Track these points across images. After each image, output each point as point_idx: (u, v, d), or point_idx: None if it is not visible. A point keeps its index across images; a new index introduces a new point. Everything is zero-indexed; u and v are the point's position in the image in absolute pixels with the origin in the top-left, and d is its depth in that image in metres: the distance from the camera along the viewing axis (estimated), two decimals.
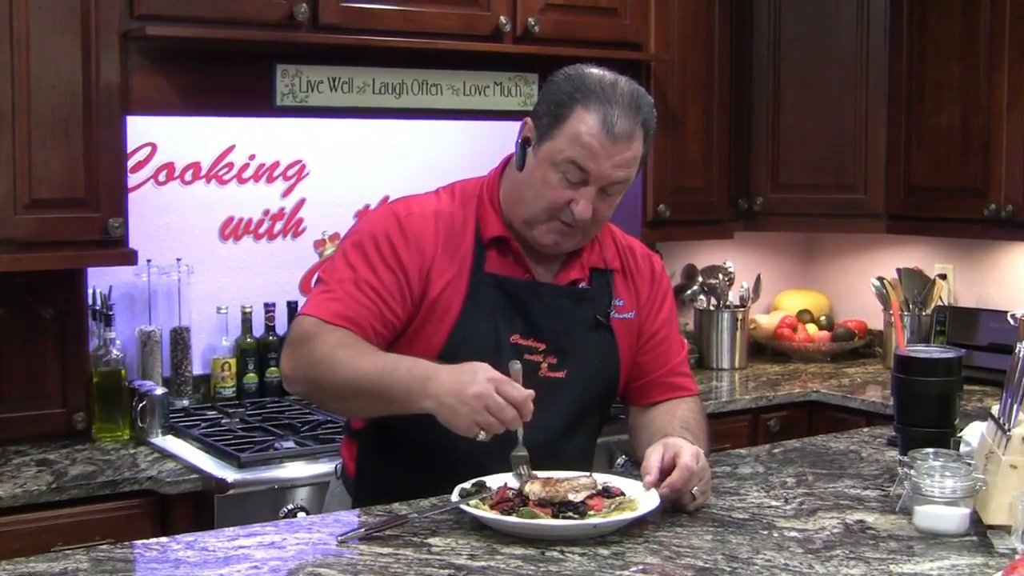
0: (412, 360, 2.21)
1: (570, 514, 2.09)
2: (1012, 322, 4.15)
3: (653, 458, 2.21)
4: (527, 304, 2.39)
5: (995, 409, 2.27)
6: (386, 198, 4.11)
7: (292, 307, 3.88)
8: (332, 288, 2.34)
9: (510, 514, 2.09)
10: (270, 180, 3.98)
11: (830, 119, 4.55)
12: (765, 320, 4.92)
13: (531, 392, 2.12)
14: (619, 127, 2.27)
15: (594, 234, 2.44)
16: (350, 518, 2.24)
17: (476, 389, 2.08)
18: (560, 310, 2.41)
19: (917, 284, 4.58)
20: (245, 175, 3.93)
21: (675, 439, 2.27)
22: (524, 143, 2.36)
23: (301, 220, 4.03)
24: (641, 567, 1.97)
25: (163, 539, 2.13)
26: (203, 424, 3.55)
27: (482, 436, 2.10)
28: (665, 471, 2.19)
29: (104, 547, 2.09)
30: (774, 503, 2.36)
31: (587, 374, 2.44)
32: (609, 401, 2.55)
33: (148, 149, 3.75)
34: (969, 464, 2.24)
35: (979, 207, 4.16)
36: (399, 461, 2.41)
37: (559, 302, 2.42)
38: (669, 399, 2.52)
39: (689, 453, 2.21)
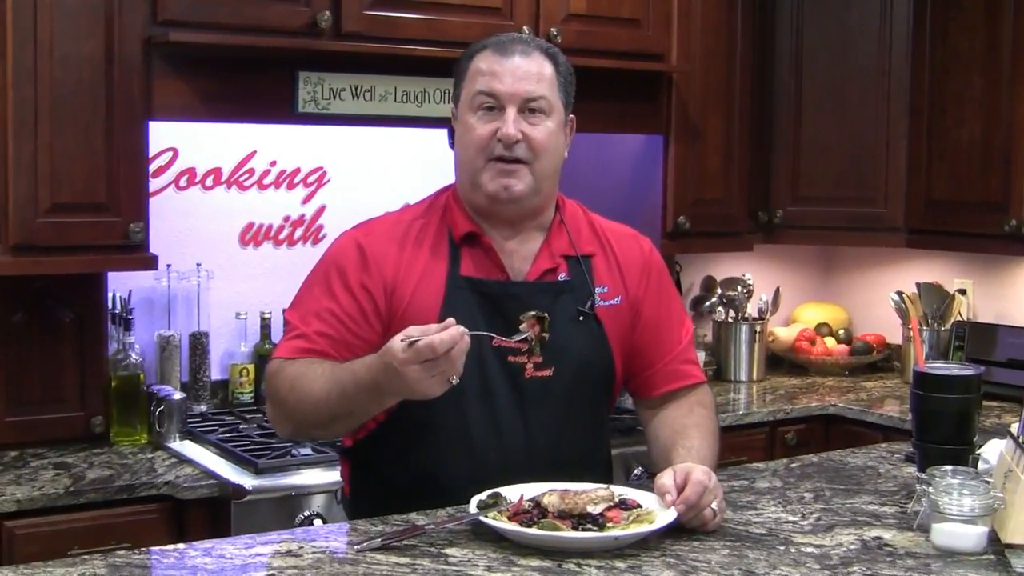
0: (352, 372, 2.21)
1: (589, 526, 2.09)
2: None
3: (666, 481, 2.20)
4: (505, 305, 2.38)
5: (1014, 427, 2.27)
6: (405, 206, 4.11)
7: None
8: (296, 326, 2.38)
9: (530, 526, 2.09)
10: (291, 186, 3.99)
11: (851, 132, 4.54)
12: (783, 333, 4.91)
13: (449, 324, 2.09)
14: (512, 47, 2.38)
15: (543, 171, 2.38)
16: (367, 527, 2.24)
17: (407, 373, 2.07)
18: (539, 307, 2.36)
19: (936, 299, 4.57)
20: (266, 181, 3.95)
21: (683, 464, 2.25)
22: (450, 130, 2.47)
23: (321, 227, 4.04)
24: None
25: (180, 546, 2.14)
26: (221, 429, 3.56)
27: (455, 380, 2.11)
28: (679, 490, 2.18)
29: (121, 552, 2.10)
30: (791, 518, 2.36)
31: (576, 369, 2.41)
32: (608, 393, 2.52)
33: (169, 154, 3.77)
34: (987, 482, 2.23)
35: (999, 222, 4.15)
36: (387, 481, 2.40)
37: (537, 299, 2.38)
38: (676, 388, 2.51)
39: (700, 471, 2.21)
